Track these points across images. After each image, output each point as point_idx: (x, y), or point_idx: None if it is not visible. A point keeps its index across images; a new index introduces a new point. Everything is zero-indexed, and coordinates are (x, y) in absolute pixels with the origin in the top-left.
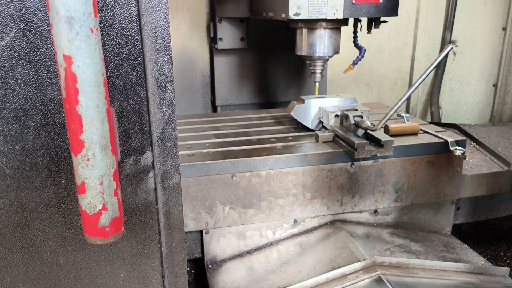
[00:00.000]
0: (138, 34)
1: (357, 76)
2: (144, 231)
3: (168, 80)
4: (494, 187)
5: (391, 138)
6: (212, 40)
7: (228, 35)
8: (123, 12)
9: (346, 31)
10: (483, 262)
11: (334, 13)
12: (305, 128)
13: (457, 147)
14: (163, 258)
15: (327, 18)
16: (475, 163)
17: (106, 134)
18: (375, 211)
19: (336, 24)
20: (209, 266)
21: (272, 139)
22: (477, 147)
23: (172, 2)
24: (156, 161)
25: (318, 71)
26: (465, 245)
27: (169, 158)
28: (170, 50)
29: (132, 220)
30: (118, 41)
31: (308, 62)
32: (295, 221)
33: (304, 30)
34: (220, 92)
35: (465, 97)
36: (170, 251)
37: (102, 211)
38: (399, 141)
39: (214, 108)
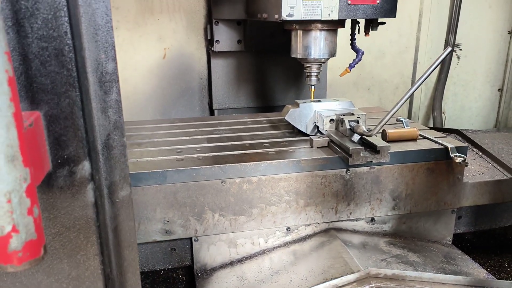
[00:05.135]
0: (67, 26)
1: (357, 80)
2: (84, 250)
3: (113, 80)
4: (497, 196)
5: (387, 144)
6: (209, 42)
7: (225, 38)
8: (47, 0)
9: (346, 33)
10: (484, 275)
11: (329, 14)
12: (300, 133)
13: (457, 154)
14: (113, 280)
15: (322, 19)
16: (477, 170)
17: (13, 143)
18: (372, 220)
19: (332, 26)
20: (199, 274)
21: (266, 144)
22: (480, 153)
23: (169, 4)
24: (101, 171)
25: (313, 74)
26: (466, 256)
27: (117, 168)
28: (114, 47)
29: (70, 239)
30: (42, 34)
31: (303, 64)
32: (288, 229)
33: (299, 32)
34: (217, 96)
35: (469, 102)
36: (120, 271)
37: (12, 234)
38: (397, 147)
39: (212, 112)
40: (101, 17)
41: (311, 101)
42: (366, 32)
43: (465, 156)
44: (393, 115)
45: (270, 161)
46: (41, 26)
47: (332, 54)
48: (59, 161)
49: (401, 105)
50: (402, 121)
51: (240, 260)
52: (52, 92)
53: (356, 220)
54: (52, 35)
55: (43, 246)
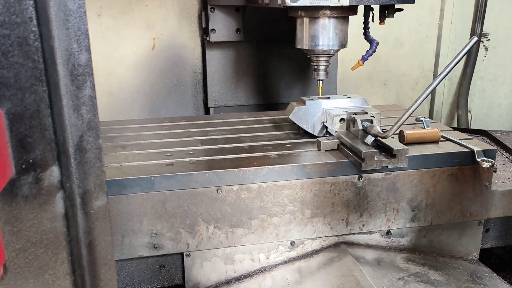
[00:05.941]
0: (32, 11)
1: (372, 74)
2: (53, 269)
3: (87, 74)
4: None
5: (405, 147)
6: (204, 31)
7: (222, 26)
8: None
9: (359, 21)
10: None
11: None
12: (307, 134)
13: (484, 158)
14: None
15: (331, 5)
16: (507, 176)
17: None
18: (388, 232)
19: (343, 13)
20: None
21: (267, 147)
22: (510, 158)
23: None
24: (73, 178)
25: (321, 67)
26: (494, 274)
27: (91, 174)
28: (87, 35)
29: (36, 256)
30: (4, 20)
31: (310, 56)
32: (292, 243)
33: (305, 20)
34: (213, 92)
35: (499, 99)
36: None
37: None
38: (416, 150)
39: (207, 110)
40: (73, 1)
41: (318, 98)
42: (381, 20)
43: (493, 161)
44: (411, 113)
45: (272, 166)
46: (2, 11)
47: (343, 44)
48: (24, 166)
49: (421, 102)
50: (422, 120)
51: (238, 279)
52: (15, 86)
53: (370, 233)
54: (15, 21)
55: (3, 264)
